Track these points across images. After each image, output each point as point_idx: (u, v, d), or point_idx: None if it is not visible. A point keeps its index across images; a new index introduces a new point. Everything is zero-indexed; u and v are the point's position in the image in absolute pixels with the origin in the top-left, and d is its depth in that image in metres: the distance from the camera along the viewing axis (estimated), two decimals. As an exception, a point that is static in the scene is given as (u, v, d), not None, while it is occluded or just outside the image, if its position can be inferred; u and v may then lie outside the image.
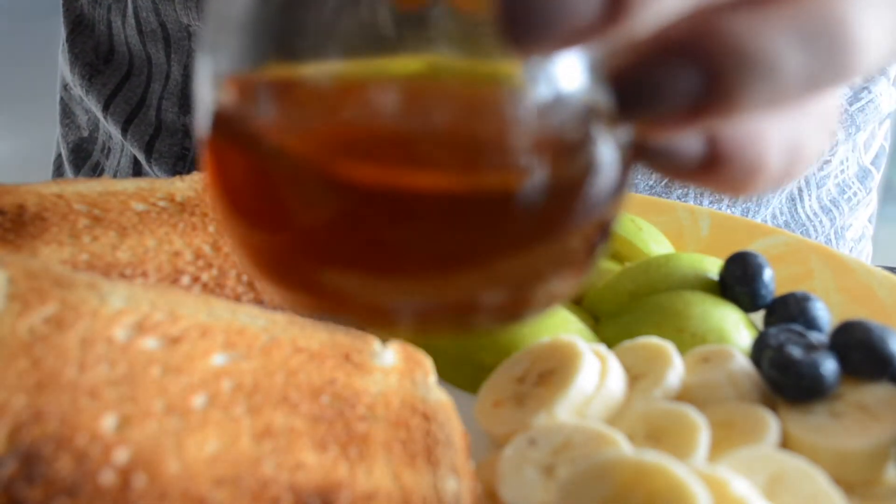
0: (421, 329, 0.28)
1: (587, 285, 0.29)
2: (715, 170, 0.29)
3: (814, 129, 0.30)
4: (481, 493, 0.37)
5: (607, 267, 0.51)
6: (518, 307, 0.28)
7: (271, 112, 0.28)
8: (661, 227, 0.56)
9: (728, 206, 0.71)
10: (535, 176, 0.26)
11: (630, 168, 0.28)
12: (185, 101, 0.74)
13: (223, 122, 0.28)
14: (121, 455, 0.32)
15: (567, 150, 0.26)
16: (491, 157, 0.26)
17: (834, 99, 0.31)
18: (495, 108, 0.27)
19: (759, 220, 0.74)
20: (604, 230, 0.28)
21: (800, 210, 0.76)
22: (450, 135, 0.26)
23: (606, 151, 0.27)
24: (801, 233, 0.77)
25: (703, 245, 0.56)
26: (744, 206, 0.71)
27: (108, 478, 0.31)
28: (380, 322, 0.29)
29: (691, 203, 0.69)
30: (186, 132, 0.74)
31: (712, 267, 0.49)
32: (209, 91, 0.28)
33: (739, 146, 0.28)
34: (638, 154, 0.28)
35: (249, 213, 0.28)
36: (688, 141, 0.28)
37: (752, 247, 0.54)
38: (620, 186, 0.28)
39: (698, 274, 0.49)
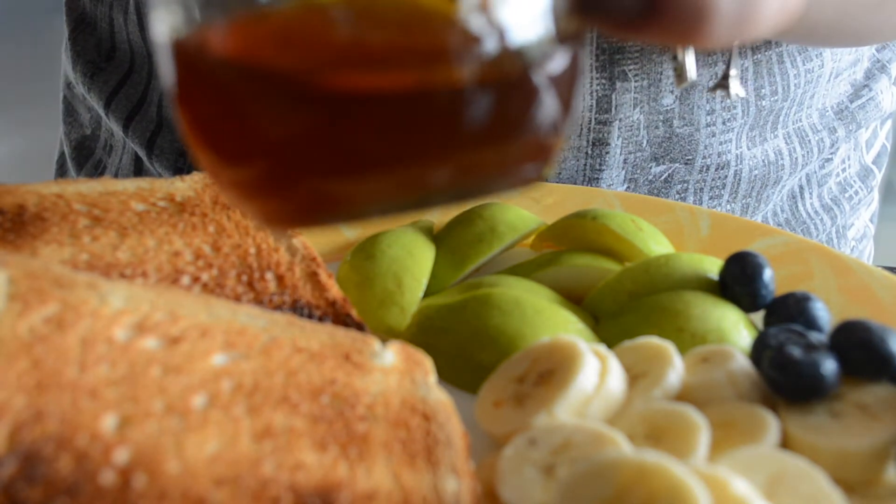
0: (388, 212, 0.31)
1: (550, 173, 0.32)
2: (660, 13, 0.29)
3: None
4: (481, 493, 0.37)
5: (607, 267, 0.51)
6: (485, 181, 0.31)
7: (231, 35, 0.29)
8: (661, 227, 0.56)
9: (728, 202, 0.71)
10: (487, 61, 0.28)
11: (580, 49, 0.30)
12: None
13: (185, 54, 0.29)
14: (121, 455, 0.32)
15: (514, 32, 0.28)
16: (436, 49, 0.28)
17: None
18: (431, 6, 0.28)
19: (759, 217, 0.74)
20: (562, 104, 0.30)
21: (801, 208, 0.76)
22: (397, 34, 0.28)
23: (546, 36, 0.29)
24: (802, 231, 0.77)
25: (703, 245, 0.56)
26: (744, 202, 0.71)
27: (108, 478, 0.31)
28: (361, 212, 0.31)
29: (689, 203, 0.69)
30: None
31: (712, 267, 0.49)
32: (166, 25, 0.29)
33: None
34: (582, 10, 0.29)
35: (224, 134, 0.29)
36: None
37: (752, 247, 0.54)
38: (573, 61, 0.30)
39: (698, 274, 0.49)
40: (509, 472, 0.37)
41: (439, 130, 0.28)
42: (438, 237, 0.55)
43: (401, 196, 0.30)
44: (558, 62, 0.29)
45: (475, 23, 0.28)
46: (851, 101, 0.75)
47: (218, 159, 0.30)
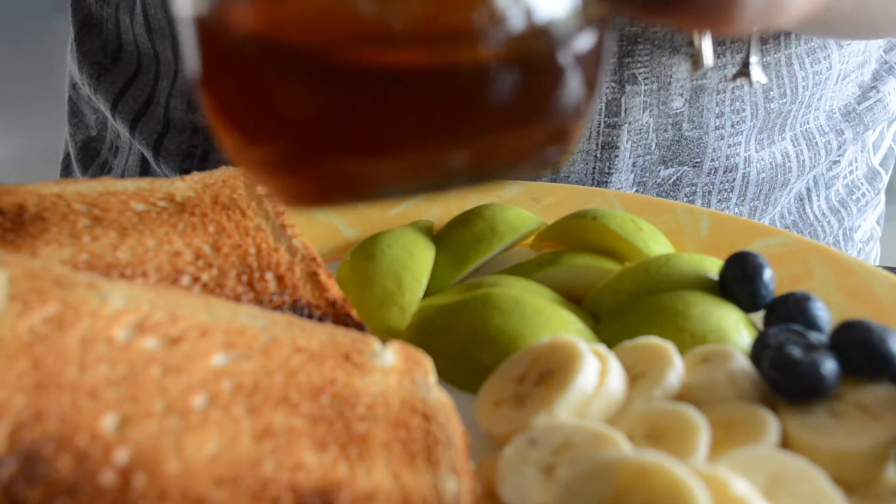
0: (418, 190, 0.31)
1: (573, 153, 0.32)
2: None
3: None
4: (481, 493, 0.37)
5: (607, 267, 0.51)
6: (511, 161, 0.30)
7: (254, 10, 0.28)
8: (661, 227, 0.56)
9: (736, 205, 0.71)
10: (513, 42, 0.27)
11: (606, 32, 0.30)
12: (192, 99, 0.74)
13: (208, 30, 0.28)
14: (121, 455, 0.32)
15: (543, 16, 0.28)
16: (470, 28, 0.27)
17: None
18: None
19: (766, 220, 0.74)
20: (586, 86, 0.30)
21: (808, 210, 0.76)
22: (423, 9, 0.28)
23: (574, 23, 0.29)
24: (809, 234, 0.77)
25: (703, 245, 0.56)
26: (751, 205, 0.72)
27: (108, 478, 0.31)
28: (383, 192, 0.30)
29: (698, 205, 0.69)
30: (194, 130, 0.74)
31: (712, 267, 0.49)
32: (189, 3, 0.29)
33: None
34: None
35: (247, 111, 0.29)
36: None
37: (752, 247, 0.54)
38: (598, 44, 0.29)
39: (698, 274, 0.49)
40: (509, 472, 0.37)
41: (464, 108, 0.28)
42: (438, 237, 0.55)
43: (423, 176, 0.30)
44: (584, 43, 0.29)
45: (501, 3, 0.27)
46: (859, 103, 0.75)
47: (240, 136, 0.30)
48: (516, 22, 0.28)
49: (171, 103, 0.75)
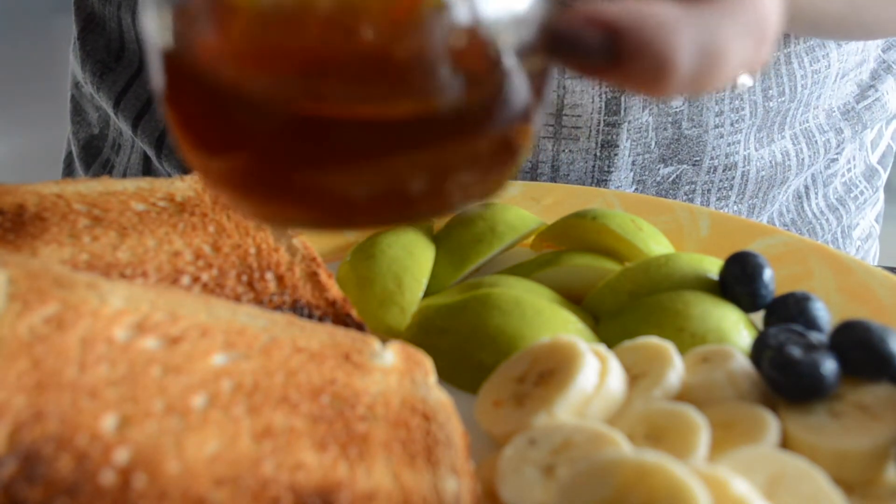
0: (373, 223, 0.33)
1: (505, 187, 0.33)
2: (622, 64, 0.30)
3: (737, 33, 0.30)
4: (481, 493, 0.37)
5: (607, 267, 0.51)
6: (450, 200, 0.32)
7: (210, 42, 0.29)
8: (661, 227, 0.56)
9: (735, 202, 0.71)
10: (453, 95, 0.29)
11: (543, 84, 0.31)
12: None
13: (170, 57, 0.30)
14: (121, 455, 0.32)
15: (481, 69, 0.29)
16: (411, 81, 0.29)
17: (770, 6, 0.31)
18: (415, 28, 0.29)
19: (764, 217, 0.74)
20: (522, 133, 0.31)
21: (806, 208, 0.76)
22: (375, 60, 0.29)
23: (516, 71, 0.30)
24: (808, 231, 0.77)
25: (703, 245, 0.56)
26: (750, 203, 0.72)
27: (108, 478, 0.31)
28: (339, 221, 0.32)
29: (697, 204, 0.69)
30: None
31: (712, 267, 0.49)
32: (154, 25, 0.30)
33: (643, 41, 0.30)
34: (548, 50, 0.30)
35: (211, 140, 0.31)
36: (592, 34, 0.30)
37: (751, 247, 0.54)
38: (533, 100, 0.31)
39: (698, 274, 0.49)
40: (509, 472, 0.37)
41: (402, 154, 0.29)
42: (438, 237, 0.55)
43: (371, 214, 0.31)
44: (519, 97, 0.30)
45: (442, 59, 0.28)
46: (858, 102, 0.75)
47: (196, 154, 0.31)
48: (456, 77, 0.29)
49: None
